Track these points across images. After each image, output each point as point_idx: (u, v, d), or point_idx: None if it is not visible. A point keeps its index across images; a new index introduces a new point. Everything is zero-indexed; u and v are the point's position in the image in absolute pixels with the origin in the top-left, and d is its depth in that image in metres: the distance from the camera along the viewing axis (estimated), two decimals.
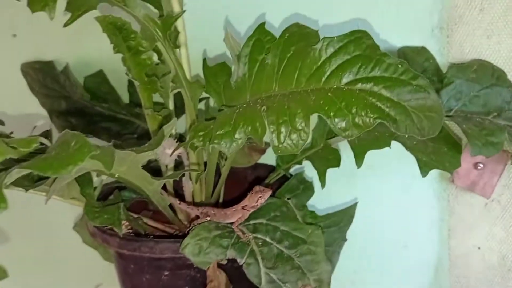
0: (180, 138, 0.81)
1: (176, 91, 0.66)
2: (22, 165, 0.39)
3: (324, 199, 0.75)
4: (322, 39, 0.50)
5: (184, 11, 0.63)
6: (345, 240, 0.70)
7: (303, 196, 0.68)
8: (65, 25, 0.57)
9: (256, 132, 0.51)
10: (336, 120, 0.47)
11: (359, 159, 0.59)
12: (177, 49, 0.66)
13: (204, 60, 0.61)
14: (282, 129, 0.49)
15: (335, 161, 0.64)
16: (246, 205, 0.58)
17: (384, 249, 0.85)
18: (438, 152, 0.58)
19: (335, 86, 0.49)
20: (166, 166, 0.64)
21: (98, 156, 0.41)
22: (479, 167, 0.70)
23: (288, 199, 0.66)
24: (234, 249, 0.57)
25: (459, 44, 0.70)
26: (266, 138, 0.51)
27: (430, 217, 0.80)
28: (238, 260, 0.57)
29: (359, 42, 0.49)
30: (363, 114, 0.47)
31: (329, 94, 0.48)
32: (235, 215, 0.58)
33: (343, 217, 0.69)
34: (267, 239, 0.59)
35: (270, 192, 0.58)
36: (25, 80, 0.92)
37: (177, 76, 0.65)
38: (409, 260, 0.84)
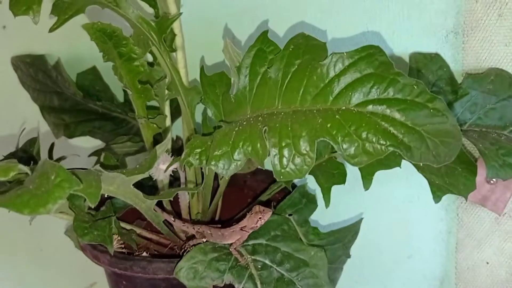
0: (177, 145, 0.78)
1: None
2: None
3: (327, 210, 0.71)
4: (330, 54, 0.46)
5: (181, 13, 0.59)
6: (349, 256, 0.67)
7: (306, 211, 0.64)
8: (51, 30, 0.52)
9: (257, 154, 0.47)
10: (345, 146, 0.43)
11: (367, 181, 0.55)
12: (173, 53, 0.62)
13: (202, 68, 0.57)
14: (285, 153, 0.45)
15: (341, 177, 0.60)
16: (245, 226, 0.55)
17: (387, 258, 0.82)
18: (451, 173, 0.54)
19: (344, 108, 0.45)
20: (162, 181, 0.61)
21: (81, 190, 0.37)
22: (491, 182, 0.66)
23: (290, 215, 0.62)
24: (231, 274, 0.54)
25: (475, 51, 0.65)
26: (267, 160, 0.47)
27: (437, 228, 0.76)
28: (236, 286, 0.53)
29: (371, 59, 0.44)
30: (374, 140, 0.43)
31: (337, 116, 0.44)
32: (233, 236, 0.55)
33: (348, 233, 0.65)
34: (267, 261, 0.56)
35: (270, 213, 0.55)
36: (15, 73, 0.88)
37: (173, 82, 0.61)
38: (413, 271, 0.81)
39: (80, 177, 0.39)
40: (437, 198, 0.53)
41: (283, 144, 0.45)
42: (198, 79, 0.61)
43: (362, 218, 0.66)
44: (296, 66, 0.48)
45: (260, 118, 0.49)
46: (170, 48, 0.61)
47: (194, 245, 0.56)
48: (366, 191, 0.75)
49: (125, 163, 0.88)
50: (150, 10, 0.66)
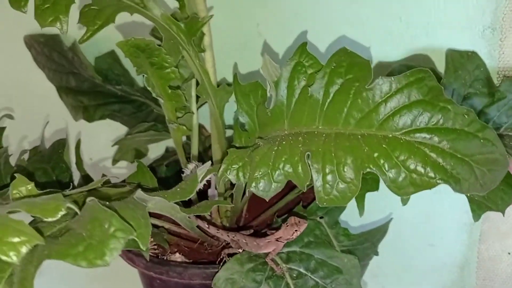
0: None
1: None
2: (49, 251, 0.35)
3: (355, 210, 0.72)
4: (377, 79, 0.44)
5: (212, 16, 0.56)
6: (377, 254, 0.68)
7: (335, 212, 0.64)
8: (81, 41, 0.50)
9: (298, 177, 0.47)
10: (391, 176, 0.43)
11: (404, 201, 0.54)
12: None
13: (235, 76, 0.55)
14: (329, 179, 0.45)
15: (374, 184, 0.60)
16: (281, 237, 0.55)
17: (409, 246, 0.83)
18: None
19: (390, 136, 0.44)
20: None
21: (136, 235, 0.37)
22: None
23: (321, 217, 0.62)
24: (268, 284, 0.55)
25: None
26: None
27: (461, 220, 0.77)
28: None
29: (420, 84, 0.43)
30: (422, 172, 0.42)
31: (383, 145, 0.43)
32: (268, 247, 0.55)
33: (377, 234, 0.66)
34: (302, 270, 0.57)
35: (306, 225, 0.55)
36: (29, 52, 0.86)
37: (202, 84, 0.59)
38: (434, 259, 0.82)
39: (129, 216, 0.39)
40: (476, 216, 0.53)
41: (327, 171, 0.45)
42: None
43: (391, 219, 0.66)
44: (339, 86, 0.46)
45: (300, 138, 0.48)
46: (199, 48, 0.59)
47: (229, 254, 0.57)
48: None
49: (146, 150, 0.88)
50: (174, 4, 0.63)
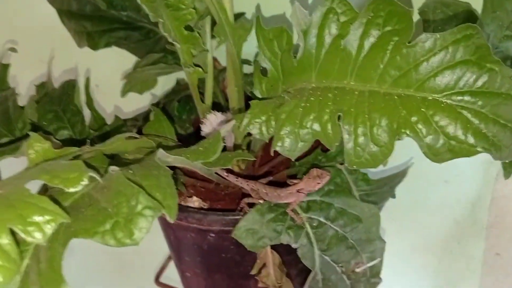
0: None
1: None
2: (76, 228, 0.33)
3: None
4: (421, 36, 0.40)
5: None
6: (394, 196, 0.67)
7: None
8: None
9: (327, 137, 0.44)
10: (428, 141, 0.40)
11: None
12: None
13: (258, 19, 0.51)
14: (361, 142, 0.42)
15: None
16: (302, 188, 0.54)
17: (423, 182, 0.83)
18: None
19: (431, 98, 0.40)
20: None
21: (164, 208, 0.35)
22: None
23: (341, 163, 0.61)
24: (288, 234, 0.54)
25: None
26: None
27: (479, 158, 0.75)
28: (292, 245, 0.55)
29: (467, 42, 0.39)
30: (463, 139, 0.40)
31: (422, 108, 0.40)
32: (289, 197, 0.54)
33: (396, 178, 0.65)
34: (321, 219, 0.56)
35: (328, 177, 0.53)
36: None
37: (220, 22, 0.55)
38: (447, 195, 0.82)
39: (154, 187, 0.37)
40: (507, 174, 0.51)
41: (359, 133, 0.42)
42: None
43: (412, 163, 0.65)
44: (375, 39, 0.42)
45: (330, 95, 0.45)
46: None
47: (249, 203, 0.56)
48: None
49: (156, 81, 0.84)
50: None
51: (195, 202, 0.63)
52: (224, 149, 0.61)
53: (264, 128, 0.48)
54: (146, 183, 0.37)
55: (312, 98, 0.45)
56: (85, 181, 0.36)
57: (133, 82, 0.82)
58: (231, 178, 0.57)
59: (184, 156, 0.43)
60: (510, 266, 0.81)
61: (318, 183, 0.53)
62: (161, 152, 0.42)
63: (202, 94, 0.67)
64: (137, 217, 0.33)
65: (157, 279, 0.85)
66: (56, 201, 0.35)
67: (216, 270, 0.67)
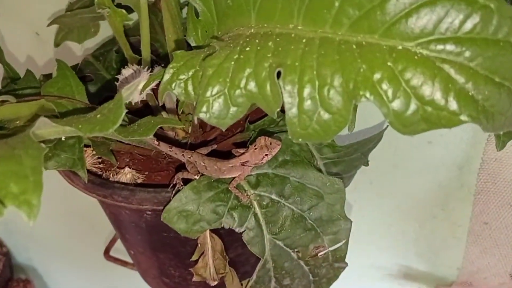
0: None
1: None
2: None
3: None
4: None
5: None
6: (367, 164, 0.57)
7: None
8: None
9: (266, 101, 0.33)
10: (395, 107, 0.29)
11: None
12: None
13: None
14: (307, 107, 0.31)
15: None
16: (247, 161, 0.43)
17: (405, 144, 0.73)
18: None
19: (401, 47, 0.29)
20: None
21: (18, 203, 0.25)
22: None
23: None
24: (231, 216, 0.45)
25: None
26: None
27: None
28: (237, 229, 0.45)
29: None
30: (442, 104, 0.29)
31: (389, 63, 0.29)
32: (232, 172, 0.44)
33: (369, 143, 0.54)
34: (274, 196, 0.46)
35: (278, 148, 0.43)
36: None
37: None
38: (431, 157, 0.73)
39: (11, 172, 0.26)
40: (501, 144, 0.41)
41: (305, 95, 0.31)
42: None
43: (387, 126, 0.54)
44: None
45: (270, 44, 0.33)
46: None
47: (185, 179, 0.46)
48: None
49: (97, 27, 0.71)
50: None
51: (127, 174, 0.52)
52: (164, 109, 0.50)
53: (190, 87, 0.37)
54: (2, 168, 0.27)
55: (248, 48, 0.34)
56: None
57: (67, 29, 0.70)
58: (164, 147, 0.47)
59: (74, 127, 0.32)
60: (498, 236, 0.72)
61: (266, 155, 0.43)
62: (41, 121, 0.31)
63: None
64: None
65: (106, 253, 0.76)
66: None
67: (160, 249, 0.57)
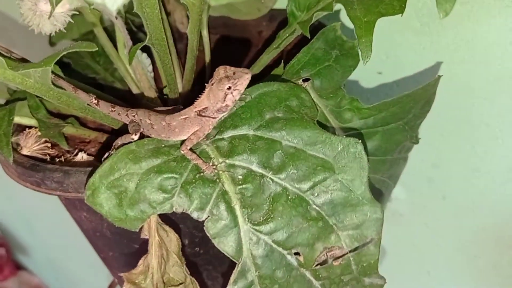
0: None
1: None
2: None
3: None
4: None
5: None
6: (417, 142, 0.40)
7: (337, 71, 0.36)
8: None
9: None
10: None
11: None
12: None
13: None
14: None
15: (396, 1, 0.30)
16: (206, 107, 0.29)
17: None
18: None
19: None
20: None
21: None
22: None
23: (305, 80, 0.35)
24: (185, 194, 0.29)
25: None
26: None
27: None
28: (194, 215, 0.29)
29: None
30: None
31: None
32: (186, 128, 0.29)
33: (414, 103, 0.37)
34: (254, 167, 0.30)
35: (247, 78, 0.28)
36: None
37: None
38: None
39: None
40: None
41: None
42: None
43: (439, 76, 0.37)
44: None
45: None
46: None
47: (124, 144, 0.32)
48: None
49: None
50: None
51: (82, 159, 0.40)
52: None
53: None
54: None
55: None
56: None
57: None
58: (104, 108, 0.33)
59: None
60: None
61: (229, 90, 0.28)
62: None
63: None
64: None
65: None
66: None
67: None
